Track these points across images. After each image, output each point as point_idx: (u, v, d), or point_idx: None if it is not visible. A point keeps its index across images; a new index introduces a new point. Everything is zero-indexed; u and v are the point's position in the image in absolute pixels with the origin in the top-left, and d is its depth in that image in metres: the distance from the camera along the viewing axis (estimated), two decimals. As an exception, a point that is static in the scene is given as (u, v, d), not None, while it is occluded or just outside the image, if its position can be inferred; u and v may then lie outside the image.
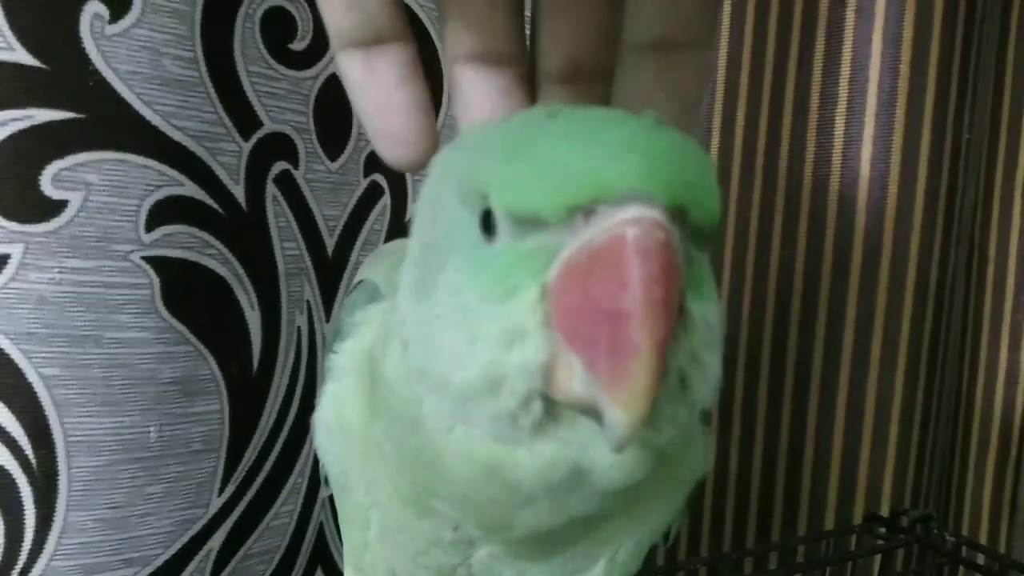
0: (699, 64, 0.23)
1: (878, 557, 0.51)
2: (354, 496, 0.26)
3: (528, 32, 0.25)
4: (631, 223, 0.17)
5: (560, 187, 0.17)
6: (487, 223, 0.19)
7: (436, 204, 0.21)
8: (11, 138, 0.35)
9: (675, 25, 0.22)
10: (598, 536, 0.24)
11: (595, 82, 0.24)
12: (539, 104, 0.23)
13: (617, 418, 0.16)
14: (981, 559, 0.48)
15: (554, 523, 0.20)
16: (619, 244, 0.17)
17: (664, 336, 0.16)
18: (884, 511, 0.60)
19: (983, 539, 0.71)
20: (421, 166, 0.24)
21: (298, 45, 0.43)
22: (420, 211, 0.22)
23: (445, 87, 0.40)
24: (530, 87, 0.25)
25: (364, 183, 0.47)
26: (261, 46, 0.42)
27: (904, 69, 0.59)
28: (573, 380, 0.17)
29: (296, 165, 0.44)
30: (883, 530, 0.51)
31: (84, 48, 0.36)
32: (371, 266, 0.29)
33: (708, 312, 0.19)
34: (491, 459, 0.19)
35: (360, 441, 0.24)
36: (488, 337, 0.18)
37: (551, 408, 0.18)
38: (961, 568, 0.49)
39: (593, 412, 0.17)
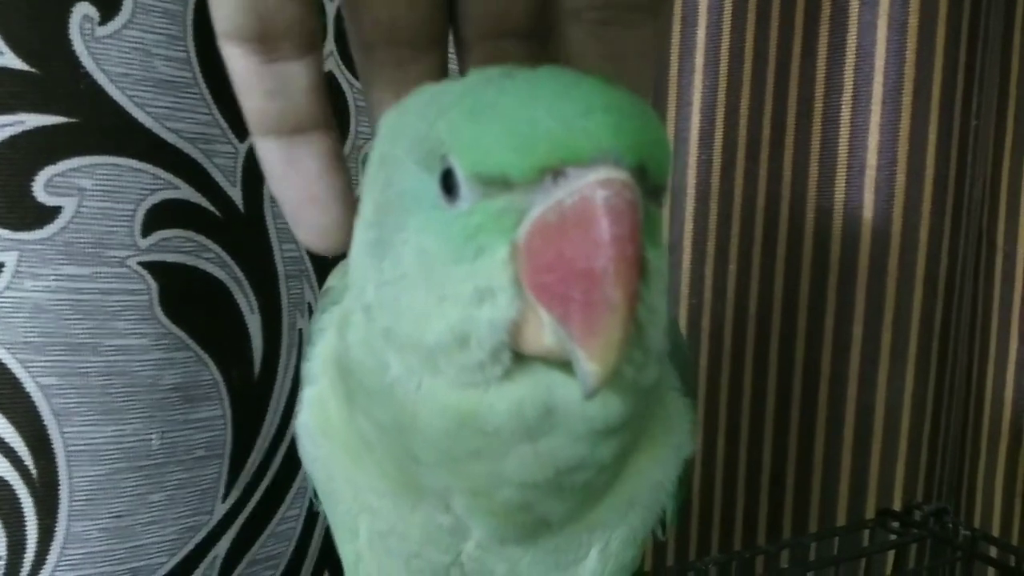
0: (643, 35, 0.23)
1: (891, 553, 0.51)
2: (342, 503, 0.25)
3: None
4: (603, 184, 0.17)
5: (530, 149, 0.18)
6: (447, 183, 0.19)
7: (387, 165, 0.21)
8: (2, 144, 0.34)
9: None
10: (588, 519, 0.23)
11: (520, 42, 0.24)
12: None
13: (590, 368, 0.17)
14: (996, 552, 0.47)
15: (545, 475, 0.20)
16: (592, 205, 0.17)
17: (635, 291, 0.17)
18: (896, 505, 0.59)
19: (995, 532, 0.70)
20: (339, 252, 0.24)
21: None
22: (370, 174, 0.22)
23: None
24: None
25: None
26: (255, 45, 0.41)
27: (910, 56, 0.58)
28: (543, 334, 0.18)
29: (294, 165, 0.43)
30: (896, 525, 0.50)
31: (74, 50, 0.35)
32: (335, 272, 0.29)
33: (661, 261, 0.20)
34: (463, 406, 0.20)
35: (343, 440, 0.24)
36: (458, 295, 0.19)
37: (518, 357, 0.19)
38: (971, 562, 0.49)
39: (561, 361, 0.18)
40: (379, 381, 0.20)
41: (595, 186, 0.17)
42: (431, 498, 0.22)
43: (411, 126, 0.21)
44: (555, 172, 0.18)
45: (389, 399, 0.20)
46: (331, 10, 0.44)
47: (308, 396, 0.25)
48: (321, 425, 0.25)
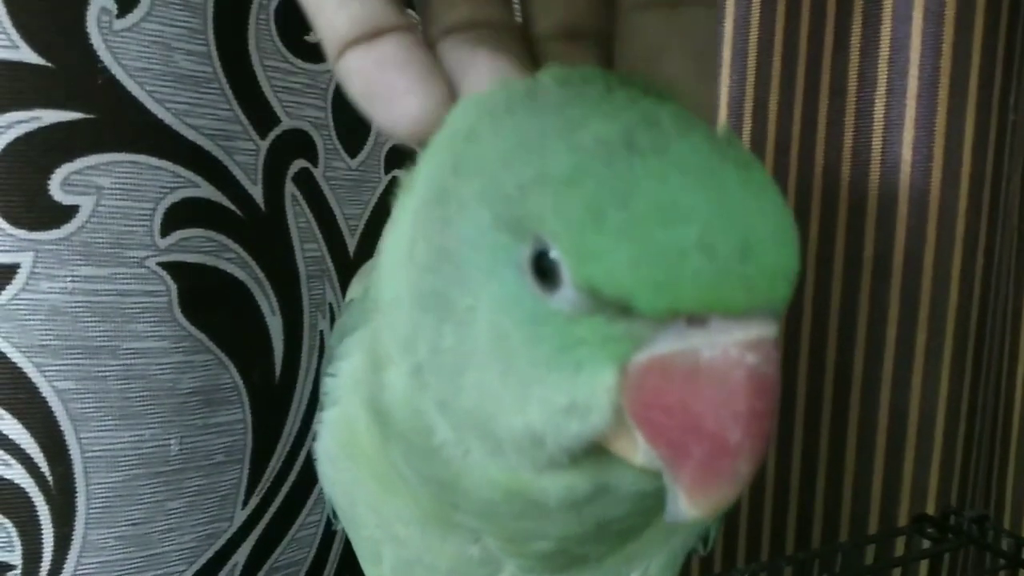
0: (705, 18, 0.22)
1: (924, 562, 0.49)
2: (365, 528, 0.25)
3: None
4: (752, 347, 0.15)
5: (672, 289, 0.15)
6: (541, 264, 0.16)
7: (448, 202, 0.18)
8: (17, 141, 0.33)
9: None
10: (627, 549, 0.23)
11: (591, 42, 0.22)
12: (586, 90, 0.18)
13: (688, 513, 0.16)
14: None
15: (585, 530, 0.20)
16: (736, 372, 0.15)
17: (761, 461, 0.16)
18: (930, 510, 0.58)
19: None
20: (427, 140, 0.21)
21: (315, 37, 0.42)
22: (423, 195, 0.19)
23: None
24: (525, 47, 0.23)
25: (385, 179, 0.46)
26: (276, 39, 0.40)
27: (946, 48, 0.57)
28: (634, 453, 0.17)
29: (315, 163, 0.42)
30: (933, 531, 0.48)
31: (92, 44, 0.34)
32: (357, 278, 0.27)
33: None
34: (512, 485, 0.19)
35: (372, 465, 0.23)
36: (545, 401, 0.17)
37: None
38: (1015, 570, 0.47)
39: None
40: (423, 440, 0.19)
41: (744, 348, 0.15)
42: (463, 532, 0.22)
43: (490, 169, 0.17)
44: (694, 317, 0.15)
45: (431, 456, 0.19)
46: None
47: (330, 417, 0.24)
48: (346, 448, 0.24)
